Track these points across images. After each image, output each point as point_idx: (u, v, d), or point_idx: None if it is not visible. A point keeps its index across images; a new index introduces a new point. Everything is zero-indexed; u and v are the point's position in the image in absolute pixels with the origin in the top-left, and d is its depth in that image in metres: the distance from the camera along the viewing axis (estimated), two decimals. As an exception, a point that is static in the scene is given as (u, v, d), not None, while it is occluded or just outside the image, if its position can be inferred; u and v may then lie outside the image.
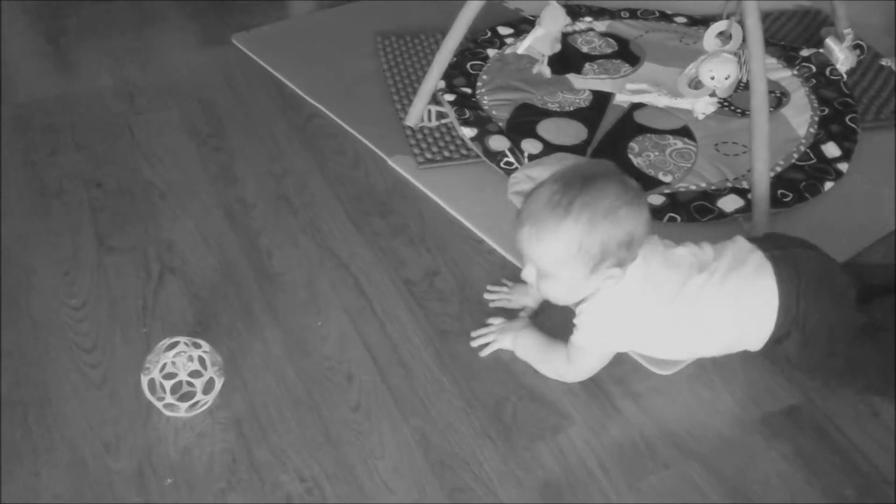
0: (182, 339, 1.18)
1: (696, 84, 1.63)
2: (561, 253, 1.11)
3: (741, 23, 1.42)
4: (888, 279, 1.31)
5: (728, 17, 1.46)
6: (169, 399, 1.16)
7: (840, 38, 1.95)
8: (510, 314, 1.35)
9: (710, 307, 1.18)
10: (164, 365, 1.16)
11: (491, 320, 1.33)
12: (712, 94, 1.68)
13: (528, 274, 1.18)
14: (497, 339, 1.29)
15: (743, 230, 1.48)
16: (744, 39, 1.43)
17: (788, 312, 1.17)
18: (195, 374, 1.17)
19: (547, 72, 1.89)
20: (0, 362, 1.28)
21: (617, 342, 1.22)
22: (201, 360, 1.18)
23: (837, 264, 1.25)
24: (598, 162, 1.18)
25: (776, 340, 1.20)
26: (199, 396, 1.17)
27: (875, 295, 1.25)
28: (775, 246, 1.22)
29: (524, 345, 1.27)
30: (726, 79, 1.50)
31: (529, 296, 1.36)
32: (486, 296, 1.39)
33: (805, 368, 1.24)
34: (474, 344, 1.30)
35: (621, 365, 1.27)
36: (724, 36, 1.51)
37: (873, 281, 1.29)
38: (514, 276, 1.40)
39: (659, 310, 1.18)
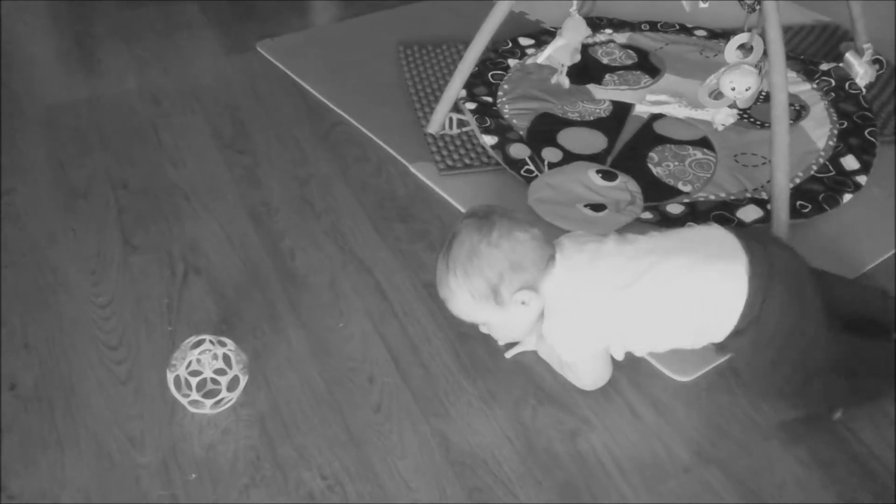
0: (207, 336, 1.20)
1: (716, 95, 1.64)
2: (461, 304, 1.20)
3: (762, 35, 1.43)
4: (851, 305, 1.30)
5: (749, 30, 1.47)
6: (194, 396, 1.18)
7: (860, 52, 1.96)
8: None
9: (676, 291, 1.16)
10: (190, 362, 1.18)
11: None
12: (732, 106, 1.69)
13: (481, 328, 1.26)
14: (525, 341, 1.31)
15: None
16: (765, 52, 1.44)
17: (752, 309, 1.14)
18: (220, 371, 1.19)
19: (565, 82, 1.91)
20: (28, 357, 1.31)
21: (592, 339, 1.21)
22: (226, 358, 1.20)
23: (810, 276, 1.20)
24: (467, 212, 1.22)
25: (734, 334, 1.17)
26: (223, 394, 1.19)
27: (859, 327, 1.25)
28: (755, 239, 1.20)
29: (548, 352, 1.29)
30: (747, 90, 1.51)
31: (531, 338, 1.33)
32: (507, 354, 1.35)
33: (750, 374, 1.23)
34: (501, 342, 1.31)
35: (640, 370, 1.28)
36: (746, 48, 1.52)
37: (841, 301, 1.27)
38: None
39: (614, 299, 1.17)
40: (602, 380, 1.25)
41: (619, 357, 1.26)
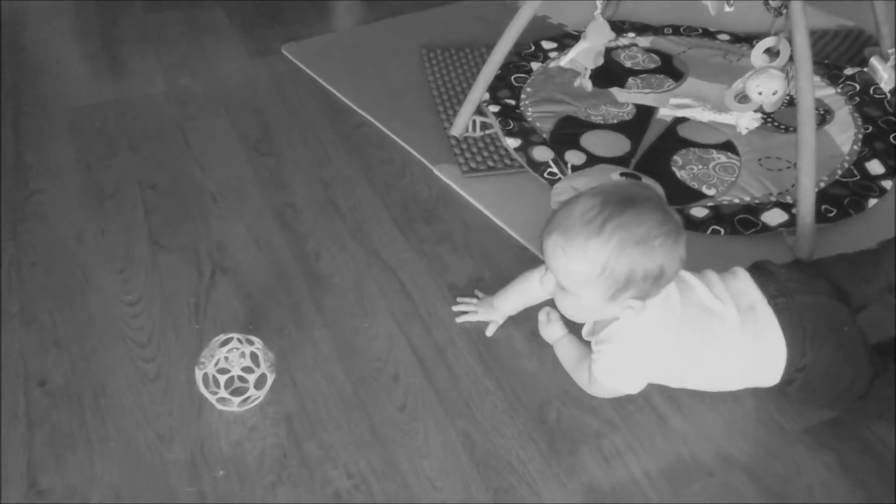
0: (235, 335, 1.21)
1: (741, 99, 1.64)
2: (584, 271, 1.07)
3: (789, 39, 1.43)
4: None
5: (776, 34, 1.47)
6: (222, 393, 1.19)
7: (885, 57, 1.95)
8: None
9: (723, 355, 1.16)
10: (218, 360, 1.19)
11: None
12: (758, 110, 1.69)
13: (547, 282, 1.14)
14: (541, 329, 1.29)
15: (787, 244, 1.49)
16: (791, 56, 1.44)
17: (793, 363, 1.16)
18: (248, 369, 1.20)
19: (588, 85, 1.91)
20: (57, 354, 1.33)
21: (631, 383, 1.19)
22: (254, 356, 1.21)
23: (846, 313, 1.18)
24: (644, 186, 1.10)
25: (784, 384, 1.19)
26: (251, 391, 1.20)
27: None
28: (780, 292, 1.17)
29: (562, 351, 1.28)
30: (774, 94, 1.51)
31: (497, 311, 1.34)
32: (454, 307, 1.39)
33: (810, 405, 1.23)
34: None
35: (665, 373, 1.28)
36: (772, 52, 1.52)
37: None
38: (488, 288, 1.41)
39: (675, 351, 1.16)
40: (614, 395, 1.22)
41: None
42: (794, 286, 1.18)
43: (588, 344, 1.24)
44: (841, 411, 1.22)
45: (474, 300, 1.39)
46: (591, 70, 1.89)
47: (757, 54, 1.52)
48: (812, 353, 1.15)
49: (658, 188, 1.62)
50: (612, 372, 1.18)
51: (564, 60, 1.89)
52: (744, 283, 1.20)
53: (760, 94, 1.52)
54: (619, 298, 1.09)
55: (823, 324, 1.16)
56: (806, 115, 1.42)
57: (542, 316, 1.30)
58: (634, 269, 1.05)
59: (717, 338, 1.16)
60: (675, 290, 1.16)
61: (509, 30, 1.70)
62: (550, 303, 1.25)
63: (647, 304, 1.11)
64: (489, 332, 1.35)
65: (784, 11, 1.41)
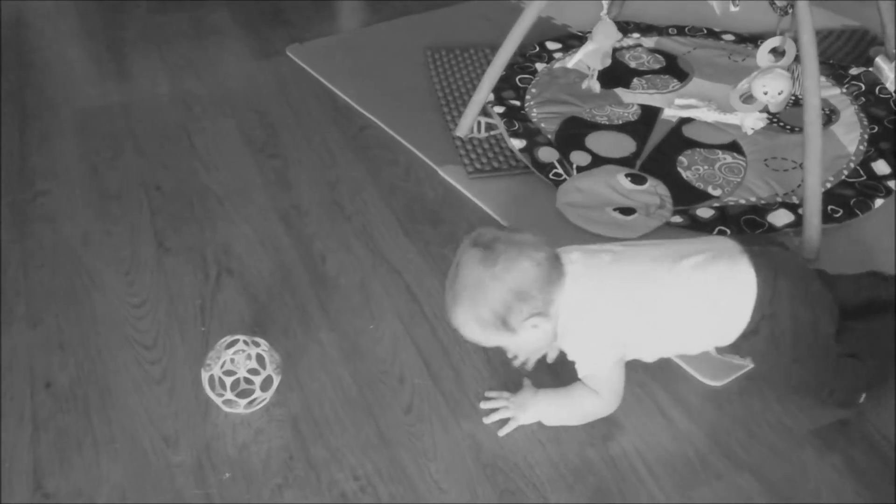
0: (241, 337, 1.21)
1: (746, 99, 1.64)
2: (473, 332, 1.19)
3: (794, 39, 1.43)
4: (851, 296, 1.31)
5: (782, 34, 1.46)
6: (228, 395, 1.19)
7: (890, 57, 1.95)
8: (510, 386, 1.27)
9: (686, 295, 1.18)
10: (224, 362, 1.19)
11: (491, 394, 1.26)
12: (764, 110, 1.68)
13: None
14: (516, 416, 1.21)
15: (793, 244, 1.49)
16: (797, 56, 1.44)
17: (762, 307, 1.16)
18: (254, 371, 1.20)
19: (596, 86, 1.91)
20: (63, 356, 1.33)
21: (609, 346, 1.18)
22: (260, 358, 1.21)
23: (814, 273, 1.25)
24: (472, 237, 1.18)
25: (745, 335, 1.19)
26: (257, 393, 1.20)
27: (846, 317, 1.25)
28: (755, 243, 1.23)
29: (548, 410, 1.21)
30: (779, 94, 1.51)
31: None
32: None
33: (776, 375, 1.24)
34: (488, 421, 1.22)
35: (671, 375, 1.28)
36: (777, 52, 1.51)
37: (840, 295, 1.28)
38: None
39: (627, 307, 1.18)
40: (619, 396, 1.20)
41: (650, 359, 1.25)
42: (767, 240, 1.27)
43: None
44: (792, 378, 1.22)
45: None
46: (598, 71, 1.89)
47: (762, 54, 1.52)
48: (780, 296, 1.16)
49: (662, 188, 1.62)
50: (590, 351, 1.18)
51: (571, 62, 1.90)
52: (718, 238, 1.27)
53: (766, 93, 1.52)
54: (517, 327, 1.16)
55: (795, 274, 1.20)
56: (812, 115, 1.42)
57: (502, 405, 1.24)
58: (494, 307, 1.14)
59: (667, 284, 1.17)
60: (605, 264, 1.20)
61: (514, 31, 1.70)
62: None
63: (549, 309, 1.16)
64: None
65: (790, 11, 1.41)
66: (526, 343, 1.20)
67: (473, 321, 1.16)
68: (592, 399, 1.20)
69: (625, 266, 1.20)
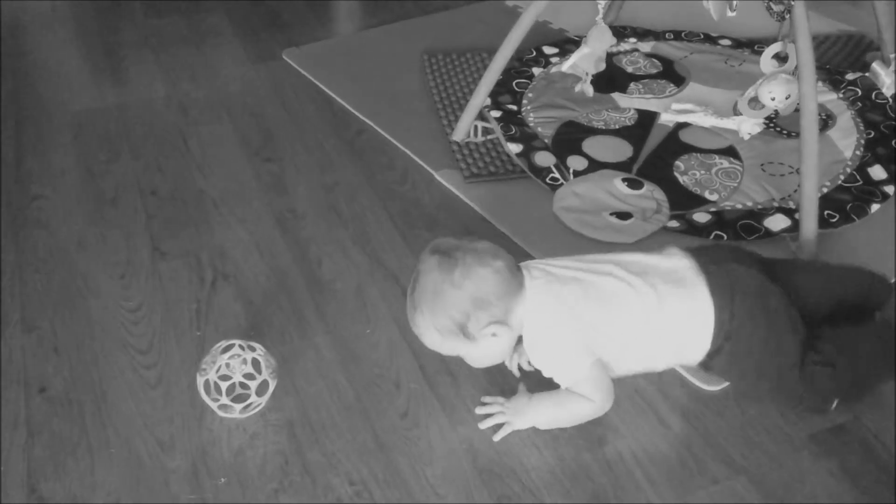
0: (237, 341, 1.21)
1: (754, 105, 1.64)
2: (432, 340, 1.20)
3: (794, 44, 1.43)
4: (826, 294, 1.31)
5: (783, 39, 1.47)
6: (224, 400, 1.19)
7: (886, 62, 1.95)
8: (506, 392, 1.27)
9: (641, 321, 1.18)
10: (220, 367, 1.19)
11: (486, 399, 1.25)
12: (774, 114, 1.68)
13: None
14: (510, 421, 1.21)
15: (790, 250, 1.49)
16: (796, 60, 1.44)
17: (721, 328, 1.18)
18: (249, 376, 1.19)
19: (589, 90, 1.91)
20: (58, 361, 1.32)
21: (580, 354, 1.17)
22: (255, 363, 1.20)
23: (773, 288, 1.22)
24: (431, 246, 1.20)
25: (710, 355, 1.20)
26: (252, 398, 1.20)
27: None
28: (710, 260, 1.23)
29: (539, 412, 1.21)
30: (787, 98, 1.51)
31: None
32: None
33: (744, 387, 1.25)
34: (483, 426, 1.21)
35: (668, 380, 1.28)
36: (780, 57, 1.52)
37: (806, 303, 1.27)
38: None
39: (585, 326, 1.17)
40: (611, 394, 1.19)
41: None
42: (724, 255, 1.26)
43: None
44: (762, 390, 1.23)
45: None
46: (593, 75, 1.89)
47: (766, 60, 1.52)
48: (739, 317, 1.17)
49: (659, 193, 1.62)
50: (561, 362, 1.18)
51: (566, 66, 1.90)
52: (674, 255, 1.25)
53: (773, 99, 1.53)
54: (476, 335, 1.17)
55: (752, 290, 1.20)
56: (809, 120, 1.42)
57: (495, 409, 1.23)
58: (452, 315, 1.16)
59: (631, 302, 1.18)
60: (568, 275, 1.20)
61: (511, 35, 1.70)
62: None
63: (509, 318, 1.17)
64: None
65: (787, 16, 1.41)
66: (486, 352, 1.21)
67: (433, 329, 1.18)
68: (583, 402, 1.19)
69: (584, 290, 1.19)
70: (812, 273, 1.35)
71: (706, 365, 1.22)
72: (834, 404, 1.22)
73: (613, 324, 1.18)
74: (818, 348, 1.20)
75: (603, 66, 1.86)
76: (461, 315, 1.15)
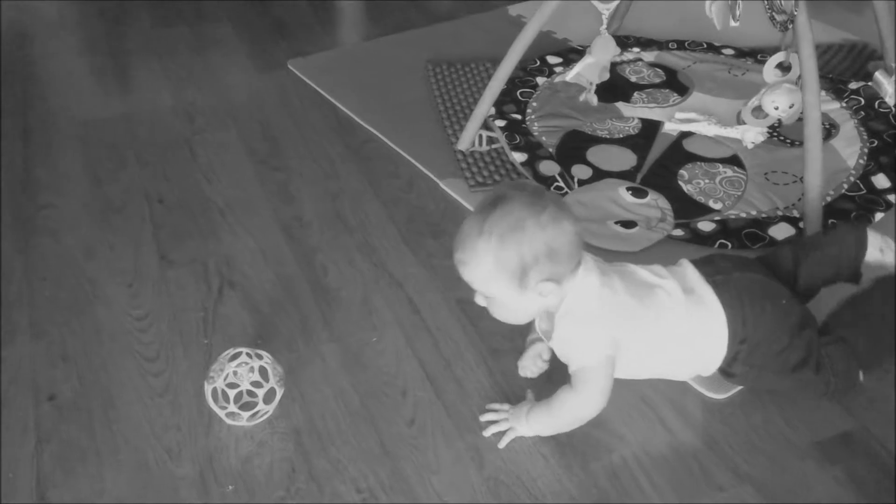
0: (244, 349, 1.21)
1: (757, 114, 1.65)
2: (482, 271, 1.14)
3: (797, 53, 1.44)
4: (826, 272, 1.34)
5: (786, 49, 1.48)
6: (231, 408, 1.19)
7: (889, 71, 1.96)
8: (512, 399, 1.27)
9: (674, 325, 1.19)
10: (228, 375, 1.19)
11: (492, 406, 1.26)
12: (777, 123, 1.69)
13: (478, 299, 1.20)
14: (513, 427, 1.21)
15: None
16: (799, 70, 1.45)
17: (735, 336, 1.20)
18: (256, 384, 1.20)
19: (594, 100, 1.92)
20: (66, 368, 1.33)
21: (606, 340, 1.17)
22: (263, 371, 1.21)
23: (778, 287, 1.25)
24: (514, 183, 1.18)
25: (728, 362, 1.22)
26: (260, 406, 1.20)
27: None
28: (717, 271, 1.24)
29: (539, 418, 1.20)
30: (790, 107, 1.52)
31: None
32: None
33: (761, 388, 1.27)
34: (487, 434, 1.22)
35: (674, 388, 1.28)
36: (783, 66, 1.53)
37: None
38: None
39: (626, 321, 1.18)
40: (607, 395, 1.19)
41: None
42: (728, 265, 1.26)
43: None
44: (787, 388, 1.25)
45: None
46: (597, 85, 1.90)
47: (769, 70, 1.53)
48: (752, 322, 1.19)
49: (663, 202, 1.62)
50: (583, 344, 1.17)
51: (570, 75, 1.91)
52: (684, 268, 1.26)
53: (776, 108, 1.54)
54: (529, 286, 1.13)
55: (759, 295, 1.21)
56: (813, 129, 1.43)
57: (500, 417, 1.24)
58: (522, 253, 1.11)
59: (666, 308, 1.19)
60: (612, 269, 1.21)
61: (515, 45, 1.71)
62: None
63: (563, 286, 1.15)
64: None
65: (790, 26, 1.42)
66: (521, 305, 1.17)
67: (491, 258, 1.12)
68: (577, 399, 1.18)
69: (631, 287, 1.20)
70: (804, 258, 1.34)
71: (726, 372, 1.23)
72: (861, 376, 1.24)
73: (649, 327, 1.19)
74: (833, 328, 1.24)
75: (607, 76, 1.87)
76: (531, 257, 1.11)
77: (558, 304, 1.17)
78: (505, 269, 1.12)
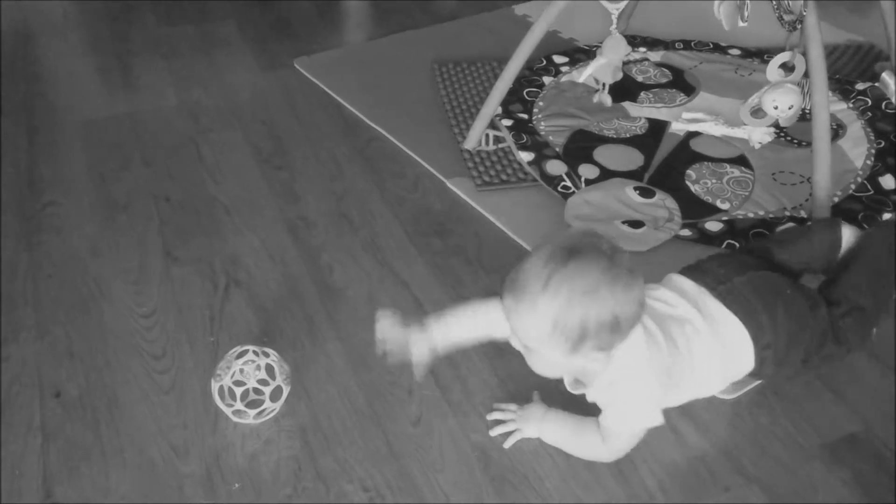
0: (251, 347, 1.21)
1: (756, 113, 1.64)
2: (536, 329, 1.05)
3: (804, 54, 1.44)
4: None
5: (791, 49, 1.47)
6: (238, 406, 1.19)
7: (896, 72, 1.96)
8: (517, 399, 1.26)
9: (707, 355, 1.17)
10: (234, 372, 1.19)
11: (499, 406, 1.25)
12: (774, 124, 1.69)
13: (515, 342, 1.13)
14: (520, 427, 1.20)
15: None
16: (806, 71, 1.45)
17: (758, 340, 1.19)
18: (263, 382, 1.20)
19: (608, 100, 1.92)
20: (72, 366, 1.33)
21: (653, 412, 1.14)
22: (269, 369, 1.21)
23: (779, 278, 1.25)
24: (592, 234, 1.08)
25: (758, 368, 1.21)
26: (266, 404, 1.20)
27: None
28: (717, 280, 1.21)
29: (553, 429, 1.19)
30: (789, 108, 1.51)
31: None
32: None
33: (785, 377, 1.27)
34: (493, 433, 1.21)
35: (680, 388, 1.28)
36: (787, 67, 1.52)
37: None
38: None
39: (674, 367, 1.15)
40: (627, 451, 1.16)
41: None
42: (725, 271, 1.23)
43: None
44: (812, 368, 1.27)
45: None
46: (610, 85, 1.90)
47: (772, 69, 1.53)
48: (770, 327, 1.19)
49: (671, 202, 1.62)
50: (631, 414, 1.13)
51: (582, 76, 1.90)
52: (685, 285, 1.23)
53: (776, 108, 1.53)
54: (581, 351, 1.06)
55: (767, 293, 1.21)
56: (821, 130, 1.43)
57: (507, 416, 1.23)
58: (586, 321, 1.03)
59: (697, 340, 1.17)
60: (653, 333, 1.15)
61: (523, 44, 1.71)
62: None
63: (612, 354, 1.08)
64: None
65: (798, 26, 1.42)
66: (562, 365, 1.12)
67: (550, 323, 1.03)
68: (599, 445, 1.16)
69: (668, 322, 1.16)
70: (789, 245, 1.37)
71: (755, 375, 1.23)
72: (874, 333, 1.30)
73: (685, 370, 1.16)
74: (837, 300, 1.25)
75: (620, 76, 1.86)
76: (594, 326, 1.03)
77: (602, 367, 1.11)
78: (562, 334, 1.04)
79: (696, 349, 1.17)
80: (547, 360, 1.11)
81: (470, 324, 1.24)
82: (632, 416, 1.14)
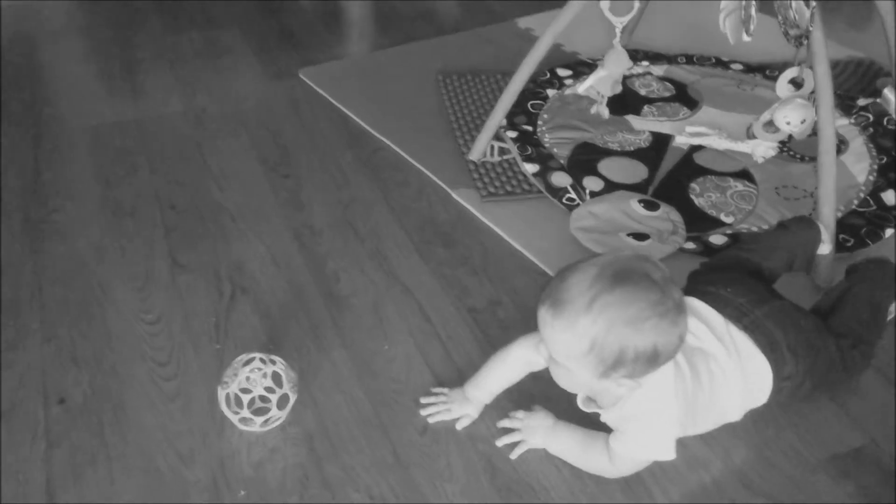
0: (258, 354, 1.21)
1: (766, 127, 1.65)
2: (572, 347, 1.03)
3: (811, 69, 1.45)
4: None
5: (799, 65, 1.48)
6: (245, 413, 1.19)
7: (898, 88, 1.97)
8: (523, 407, 1.25)
9: (728, 392, 1.17)
10: (241, 380, 1.19)
11: (519, 414, 1.23)
12: (788, 138, 1.70)
13: (542, 352, 1.11)
14: (526, 438, 1.20)
15: (806, 273, 1.50)
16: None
17: (779, 373, 1.19)
18: (270, 389, 1.20)
19: (605, 112, 1.92)
20: (77, 372, 1.33)
21: (666, 448, 1.13)
22: (276, 376, 1.21)
23: (794, 307, 1.25)
24: (645, 259, 1.05)
25: (774, 396, 1.22)
26: (273, 412, 1.20)
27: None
28: (741, 313, 1.20)
29: (560, 442, 1.19)
30: (802, 122, 1.52)
31: (471, 404, 1.24)
32: (423, 411, 1.25)
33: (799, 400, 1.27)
34: (500, 444, 1.20)
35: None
36: (796, 82, 1.53)
37: None
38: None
39: (695, 402, 1.15)
40: (631, 473, 1.17)
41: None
42: (743, 301, 1.21)
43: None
44: (822, 392, 1.28)
45: (443, 396, 1.26)
46: (608, 98, 1.91)
47: (782, 85, 1.54)
48: (792, 360, 1.19)
49: (675, 214, 1.63)
50: (645, 446, 1.13)
51: (582, 88, 1.91)
52: (710, 316, 1.20)
53: (788, 123, 1.54)
54: (611, 376, 1.05)
55: (788, 326, 1.21)
56: (827, 145, 1.44)
57: (515, 425, 1.22)
58: (625, 350, 1.01)
59: (721, 376, 1.16)
60: (681, 367, 1.14)
61: (529, 57, 1.71)
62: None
63: (641, 383, 1.07)
64: (460, 425, 1.23)
65: (804, 42, 1.43)
66: (587, 385, 1.11)
67: (588, 345, 1.01)
68: (606, 464, 1.15)
69: (695, 355, 1.15)
70: (767, 259, 1.36)
71: (770, 402, 1.23)
72: (891, 314, 1.35)
73: (707, 404, 1.16)
74: (840, 336, 1.25)
75: (619, 89, 1.87)
76: (633, 355, 1.01)
77: (627, 393, 1.09)
78: (597, 357, 1.02)
79: (720, 385, 1.16)
80: (573, 378, 1.09)
81: (506, 374, 1.25)
82: (645, 447, 1.13)
